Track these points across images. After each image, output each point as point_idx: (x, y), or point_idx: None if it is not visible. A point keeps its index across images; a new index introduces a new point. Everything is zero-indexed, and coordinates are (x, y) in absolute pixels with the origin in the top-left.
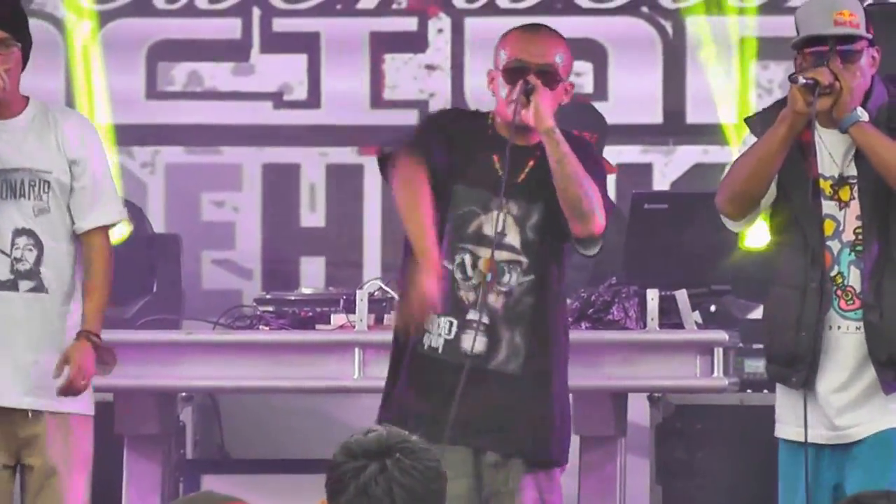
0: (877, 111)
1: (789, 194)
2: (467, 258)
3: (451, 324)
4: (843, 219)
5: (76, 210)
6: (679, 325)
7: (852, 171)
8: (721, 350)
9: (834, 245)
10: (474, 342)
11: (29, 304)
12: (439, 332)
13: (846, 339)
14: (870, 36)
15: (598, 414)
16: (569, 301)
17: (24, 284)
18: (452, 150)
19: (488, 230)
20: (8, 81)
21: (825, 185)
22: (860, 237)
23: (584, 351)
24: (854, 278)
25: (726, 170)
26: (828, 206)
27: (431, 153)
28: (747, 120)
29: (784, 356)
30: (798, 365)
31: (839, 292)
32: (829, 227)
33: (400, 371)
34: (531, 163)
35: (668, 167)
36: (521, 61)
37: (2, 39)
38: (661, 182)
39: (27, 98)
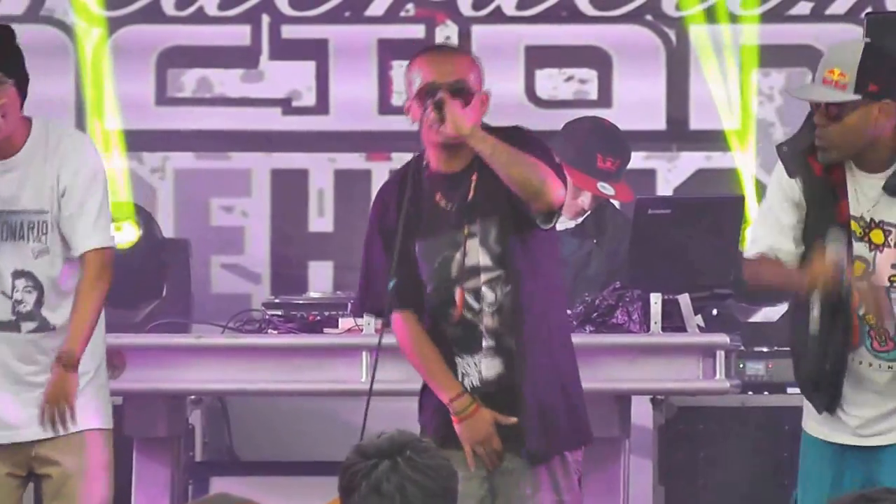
0: None
1: (820, 235)
2: (468, 297)
3: (481, 359)
4: (874, 261)
5: (67, 236)
6: (682, 329)
7: (887, 217)
8: (723, 353)
9: (863, 287)
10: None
11: (33, 343)
12: (477, 370)
13: (878, 375)
14: (853, 98)
15: (602, 416)
16: (573, 305)
17: (27, 325)
18: (397, 227)
19: (468, 261)
20: (2, 122)
21: (855, 227)
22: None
23: (589, 354)
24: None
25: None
26: (858, 248)
27: (401, 280)
28: (779, 147)
29: (809, 383)
30: (821, 393)
31: (872, 332)
32: (858, 268)
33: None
34: (473, 179)
35: (672, 173)
36: (432, 84)
37: None
38: (665, 187)
39: (29, 122)
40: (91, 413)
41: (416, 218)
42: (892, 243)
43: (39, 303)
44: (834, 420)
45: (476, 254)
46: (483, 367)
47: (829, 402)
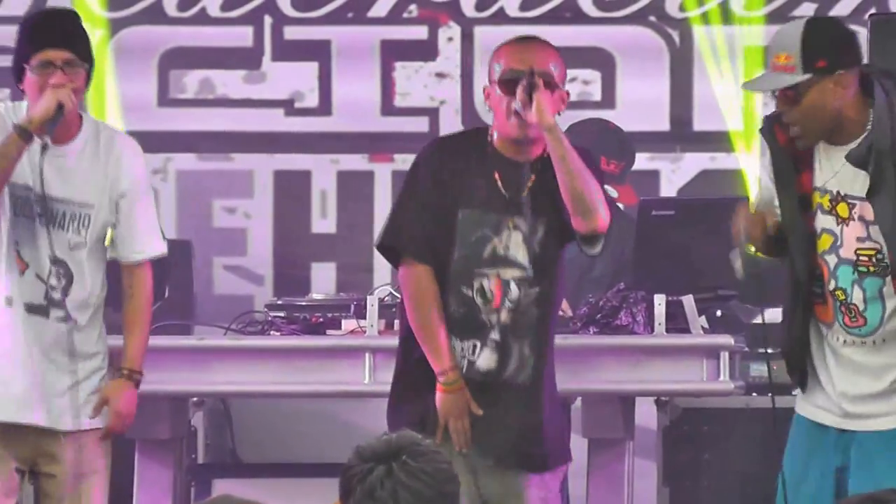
0: (879, 126)
1: (781, 206)
2: (485, 282)
3: (476, 346)
4: (841, 234)
5: (120, 242)
6: (686, 330)
7: (850, 190)
8: (727, 354)
9: (830, 259)
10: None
11: (57, 331)
12: (462, 354)
13: (853, 352)
14: (804, 78)
15: (607, 417)
16: (578, 307)
17: (55, 313)
18: (451, 184)
19: (502, 251)
20: (74, 103)
21: (823, 200)
22: (864, 259)
23: (593, 355)
24: (857, 297)
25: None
26: (825, 220)
27: (433, 235)
28: (761, 130)
29: (785, 361)
30: (792, 370)
31: (843, 308)
32: (826, 241)
33: (416, 385)
34: (533, 177)
35: (676, 174)
36: (517, 71)
37: (69, 60)
38: (669, 188)
39: (81, 116)
40: (104, 413)
41: (470, 186)
42: (855, 216)
43: (66, 293)
44: (824, 398)
45: (515, 247)
46: (481, 356)
47: (800, 379)
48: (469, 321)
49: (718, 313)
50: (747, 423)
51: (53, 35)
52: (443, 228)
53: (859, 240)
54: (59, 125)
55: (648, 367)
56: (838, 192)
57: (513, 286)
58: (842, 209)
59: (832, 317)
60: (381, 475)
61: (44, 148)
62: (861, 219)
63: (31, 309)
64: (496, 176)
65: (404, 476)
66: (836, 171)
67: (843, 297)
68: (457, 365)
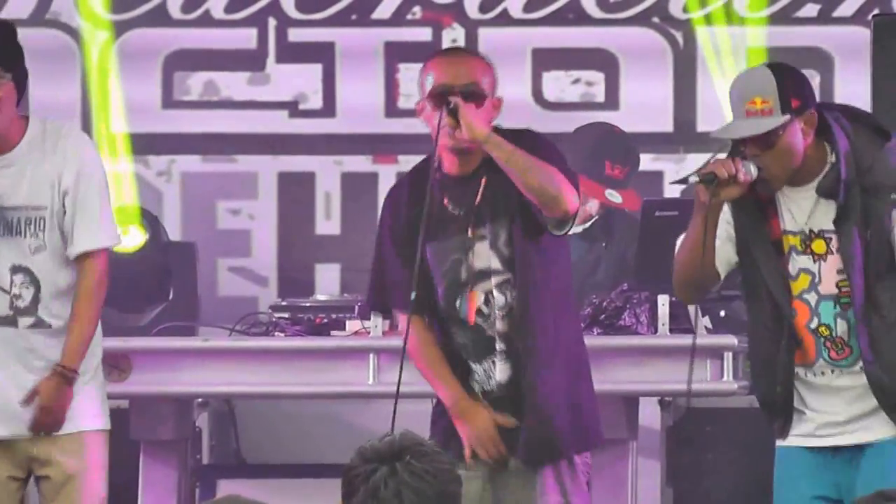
0: (846, 165)
1: (753, 254)
2: (478, 298)
3: (494, 363)
4: (819, 271)
5: (66, 237)
6: (689, 331)
7: (825, 225)
8: (730, 354)
9: (810, 298)
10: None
11: (30, 338)
12: (488, 375)
13: (841, 382)
14: (785, 119)
15: (610, 417)
16: (582, 308)
17: (24, 321)
18: (409, 230)
19: (478, 264)
20: None
21: (795, 241)
22: (843, 290)
23: (597, 356)
24: (841, 329)
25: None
26: (801, 261)
27: (412, 283)
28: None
29: (765, 405)
30: (776, 416)
31: (828, 343)
32: (803, 280)
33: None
34: (483, 182)
35: (679, 175)
36: (445, 86)
37: None
38: (672, 189)
39: (26, 119)
40: (91, 414)
41: (427, 221)
42: (833, 249)
43: (36, 300)
44: (803, 427)
45: (486, 257)
46: (497, 371)
47: (783, 424)
48: (478, 342)
49: (722, 313)
50: (750, 423)
51: None
52: (421, 270)
53: (839, 272)
54: None
55: (652, 368)
56: (811, 230)
57: (496, 294)
58: (818, 246)
59: (814, 355)
60: (385, 475)
61: None
62: (839, 250)
63: None
64: (444, 201)
65: (408, 476)
66: (808, 211)
67: (827, 333)
68: (463, 392)
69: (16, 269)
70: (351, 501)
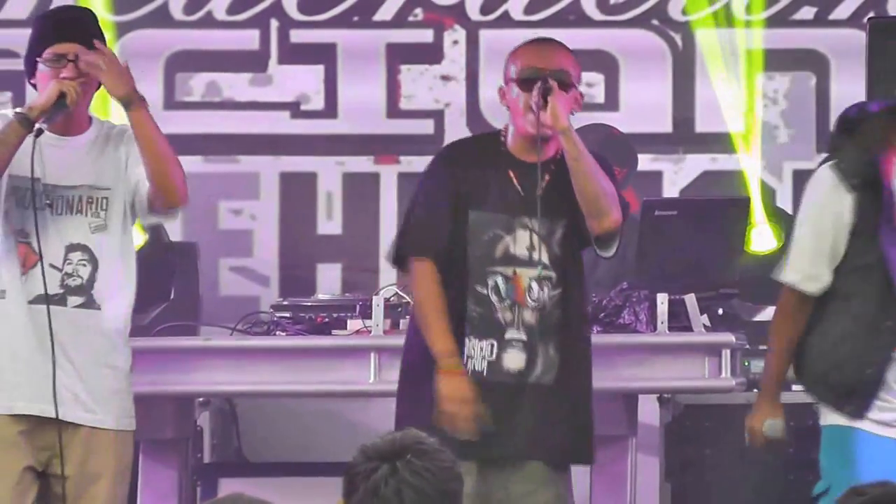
0: None
1: (876, 238)
2: (500, 280)
3: (493, 346)
4: None
5: (136, 193)
6: (688, 328)
7: None
8: (728, 351)
9: None
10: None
11: (76, 320)
12: (482, 355)
13: None
14: None
15: (610, 414)
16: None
17: (73, 300)
18: (463, 186)
19: (516, 250)
20: (81, 94)
21: None
22: None
23: (597, 353)
24: None
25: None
26: None
27: (442, 231)
28: (835, 165)
29: (845, 388)
30: (855, 398)
31: None
32: None
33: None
34: (547, 177)
35: (678, 175)
36: (535, 69)
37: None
38: (671, 189)
39: (91, 118)
40: (125, 413)
41: (482, 187)
42: None
43: (92, 278)
44: (886, 414)
45: (533, 247)
46: (507, 357)
47: (861, 407)
48: (485, 321)
49: (720, 311)
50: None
51: (66, 29)
52: (456, 230)
53: None
54: (65, 116)
55: (651, 365)
56: None
57: (534, 286)
58: None
59: None
60: (386, 474)
61: (38, 133)
62: None
63: (43, 300)
64: (511, 174)
65: (409, 475)
66: None
67: None
68: (457, 351)
69: (73, 248)
70: (351, 499)
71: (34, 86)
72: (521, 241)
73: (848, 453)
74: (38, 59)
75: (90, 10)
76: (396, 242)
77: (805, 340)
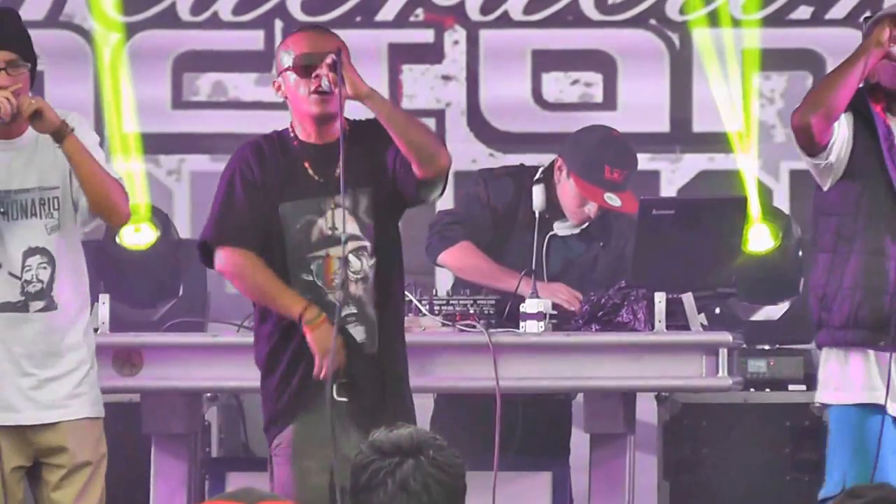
0: None
1: (870, 169)
2: (320, 264)
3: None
4: None
5: (78, 202)
6: (685, 327)
7: None
8: (726, 350)
9: None
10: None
11: (38, 324)
12: None
13: None
14: None
15: (608, 412)
16: (579, 304)
17: (35, 305)
18: (265, 185)
19: (327, 230)
20: (15, 104)
21: None
22: None
23: (595, 352)
24: None
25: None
26: None
27: (256, 223)
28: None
29: (876, 320)
30: (889, 327)
31: None
32: None
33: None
34: (342, 152)
35: (675, 174)
36: (310, 55)
37: (10, 61)
38: (668, 188)
39: None
40: (92, 403)
41: (284, 181)
42: None
43: (52, 279)
44: (882, 378)
45: (342, 223)
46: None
47: (892, 339)
48: (319, 305)
49: (717, 310)
50: (745, 417)
51: None
52: (268, 226)
53: None
54: (6, 123)
55: (649, 364)
56: None
57: (352, 259)
58: None
59: None
60: (412, 469)
61: None
62: None
63: (6, 308)
64: (306, 165)
65: (434, 469)
66: None
67: None
68: (313, 303)
69: (31, 252)
70: (376, 494)
71: None
72: (332, 221)
73: (864, 435)
74: None
75: (12, 12)
76: (207, 234)
77: (823, 295)
